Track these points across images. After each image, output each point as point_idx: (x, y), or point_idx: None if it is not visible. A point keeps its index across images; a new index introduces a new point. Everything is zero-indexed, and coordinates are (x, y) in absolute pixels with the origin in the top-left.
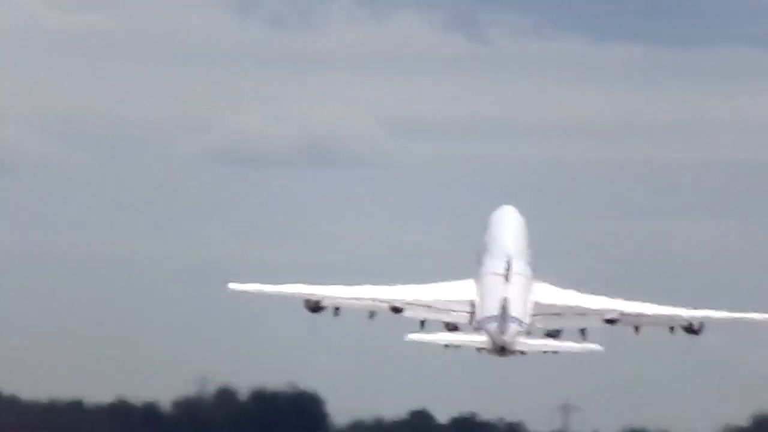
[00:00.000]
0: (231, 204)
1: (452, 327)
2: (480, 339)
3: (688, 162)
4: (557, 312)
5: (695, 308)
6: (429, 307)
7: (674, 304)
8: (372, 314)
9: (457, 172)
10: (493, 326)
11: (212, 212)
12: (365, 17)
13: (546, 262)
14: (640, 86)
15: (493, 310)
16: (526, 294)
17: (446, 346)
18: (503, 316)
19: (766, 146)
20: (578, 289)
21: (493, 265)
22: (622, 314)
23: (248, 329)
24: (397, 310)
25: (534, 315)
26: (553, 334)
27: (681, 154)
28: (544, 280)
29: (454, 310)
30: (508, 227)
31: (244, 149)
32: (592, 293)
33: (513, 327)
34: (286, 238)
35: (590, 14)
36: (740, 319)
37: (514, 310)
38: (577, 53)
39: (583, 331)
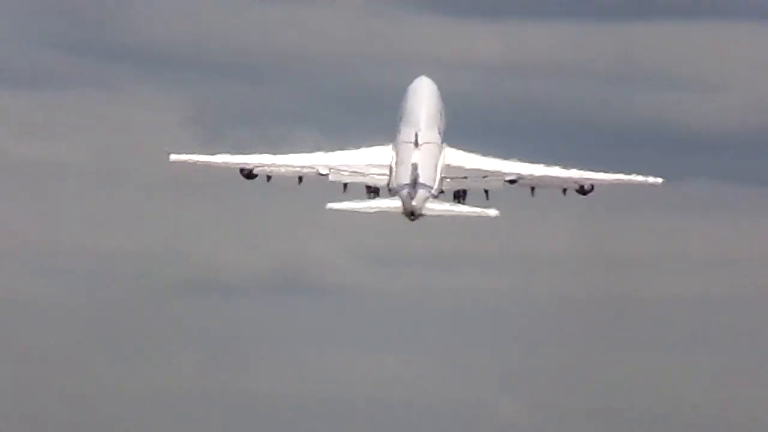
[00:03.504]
0: (204, 333)
1: (373, 190)
2: (394, 205)
3: None
4: (464, 175)
5: (587, 170)
6: (352, 172)
7: (569, 167)
8: (300, 179)
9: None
10: (404, 193)
11: (186, 342)
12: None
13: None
14: None
15: (406, 178)
16: (436, 161)
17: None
18: (413, 183)
19: None
20: (484, 153)
21: (407, 133)
22: (520, 176)
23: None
24: (321, 175)
25: (443, 177)
26: (460, 195)
27: None
28: (454, 146)
29: (374, 174)
30: (421, 97)
31: (215, 278)
32: (498, 157)
33: (421, 193)
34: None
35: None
36: (628, 181)
37: (423, 177)
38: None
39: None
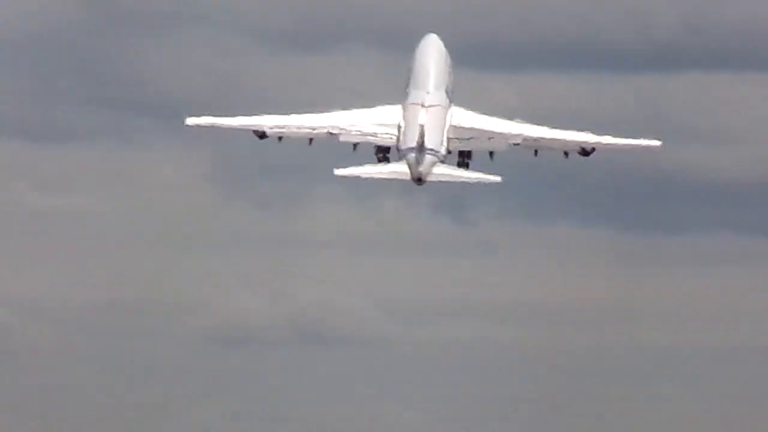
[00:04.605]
0: (225, 385)
1: (383, 149)
2: (402, 169)
3: None
4: (469, 136)
5: (588, 133)
6: (360, 132)
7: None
8: (311, 140)
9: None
10: (411, 157)
11: (206, 393)
12: (353, 200)
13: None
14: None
15: (413, 141)
16: (443, 124)
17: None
18: (419, 147)
19: None
20: (491, 114)
21: (415, 95)
22: (524, 138)
23: None
24: (332, 135)
25: (450, 138)
26: (465, 154)
27: None
28: (461, 105)
29: (383, 134)
30: (429, 57)
31: (237, 330)
32: (505, 117)
33: (428, 158)
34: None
35: (579, 199)
36: (630, 144)
37: (430, 142)
38: (565, 237)
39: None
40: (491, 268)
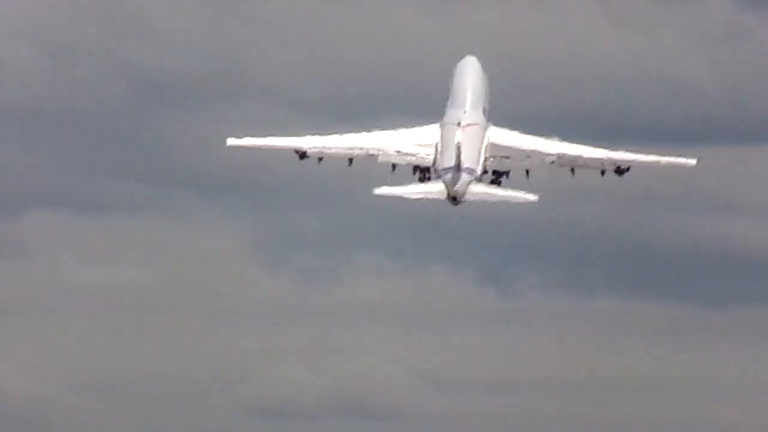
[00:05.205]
0: None
1: (422, 169)
2: (439, 189)
3: None
4: (506, 155)
5: (623, 151)
6: (399, 152)
7: (607, 147)
8: (351, 161)
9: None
10: (448, 177)
11: None
12: (395, 272)
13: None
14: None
15: (450, 161)
16: (479, 142)
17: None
18: (456, 167)
19: None
20: (527, 132)
21: (452, 115)
22: (560, 156)
23: None
24: (371, 155)
25: (487, 158)
26: (500, 174)
27: None
28: (498, 125)
29: (422, 154)
30: (467, 78)
31: (280, 402)
32: (541, 135)
33: (464, 177)
34: None
35: (623, 272)
36: (665, 162)
37: (466, 160)
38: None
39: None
40: (533, 340)
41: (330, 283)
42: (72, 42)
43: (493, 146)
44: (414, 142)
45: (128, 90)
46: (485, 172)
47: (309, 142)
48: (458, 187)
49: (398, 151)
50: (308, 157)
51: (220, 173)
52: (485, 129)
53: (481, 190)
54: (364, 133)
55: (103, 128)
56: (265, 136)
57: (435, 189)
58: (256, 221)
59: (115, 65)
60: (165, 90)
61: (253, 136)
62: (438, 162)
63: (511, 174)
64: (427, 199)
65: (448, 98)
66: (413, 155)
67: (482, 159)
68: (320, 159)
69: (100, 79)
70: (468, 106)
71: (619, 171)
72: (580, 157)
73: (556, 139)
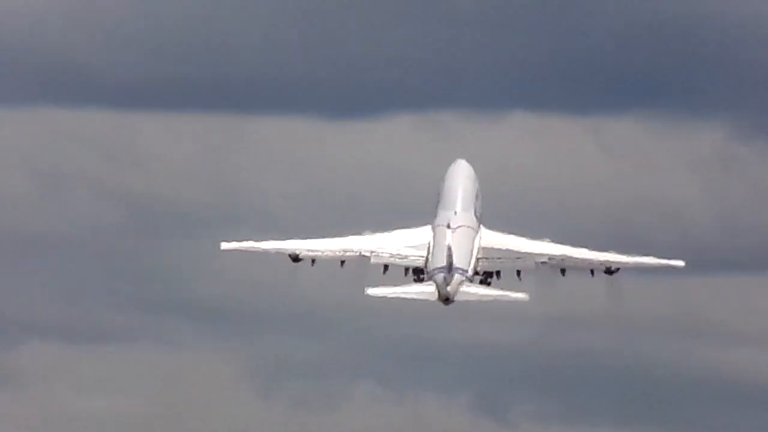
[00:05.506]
0: None
1: (415, 270)
2: (429, 290)
3: None
4: (498, 256)
5: (612, 252)
6: (391, 254)
7: (596, 249)
8: (342, 263)
9: None
10: (440, 277)
11: None
12: (389, 400)
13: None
14: None
15: (441, 261)
16: (471, 244)
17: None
18: (447, 267)
19: None
20: (519, 234)
21: (443, 216)
22: (550, 257)
23: None
24: (363, 257)
25: (479, 259)
26: (490, 275)
27: None
28: (490, 227)
29: (413, 256)
30: (458, 180)
31: None
32: (532, 238)
33: (456, 277)
34: None
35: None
36: (654, 264)
37: (458, 261)
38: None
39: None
40: None
41: (324, 409)
42: (65, 170)
43: (484, 248)
44: (406, 244)
45: (123, 219)
46: (476, 273)
47: (302, 245)
48: (450, 288)
49: (390, 254)
50: (301, 260)
51: (213, 295)
52: (477, 230)
53: (472, 290)
54: (357, 236)
55: (96, 257)
56: (259, 240)
57: (426, 290)
58: (251, 345)
59: (109, 193)
60: (161, 219)
61: (246, 240)
62: (429, 263)
63: (501, 275)
64: (419, 300)
65: (438, 200)
66: (405, 257)
67: (473, 260)
68: (313, 261)
69: (96, 208)
70: (459, 207)
71: (609, 271)
72: (569, 257)
73: (547, 240)
